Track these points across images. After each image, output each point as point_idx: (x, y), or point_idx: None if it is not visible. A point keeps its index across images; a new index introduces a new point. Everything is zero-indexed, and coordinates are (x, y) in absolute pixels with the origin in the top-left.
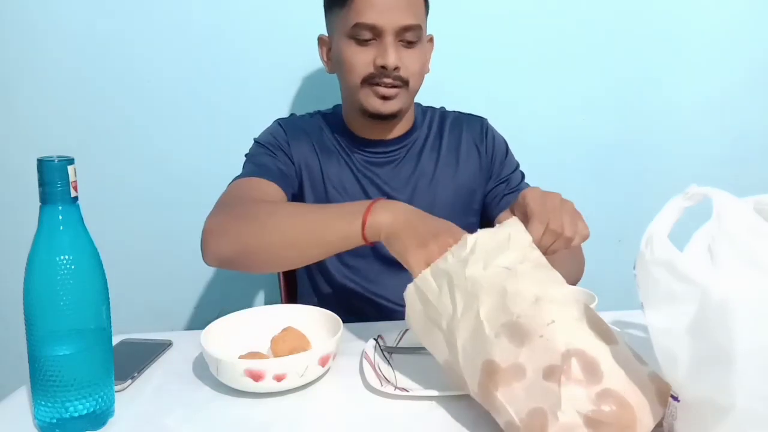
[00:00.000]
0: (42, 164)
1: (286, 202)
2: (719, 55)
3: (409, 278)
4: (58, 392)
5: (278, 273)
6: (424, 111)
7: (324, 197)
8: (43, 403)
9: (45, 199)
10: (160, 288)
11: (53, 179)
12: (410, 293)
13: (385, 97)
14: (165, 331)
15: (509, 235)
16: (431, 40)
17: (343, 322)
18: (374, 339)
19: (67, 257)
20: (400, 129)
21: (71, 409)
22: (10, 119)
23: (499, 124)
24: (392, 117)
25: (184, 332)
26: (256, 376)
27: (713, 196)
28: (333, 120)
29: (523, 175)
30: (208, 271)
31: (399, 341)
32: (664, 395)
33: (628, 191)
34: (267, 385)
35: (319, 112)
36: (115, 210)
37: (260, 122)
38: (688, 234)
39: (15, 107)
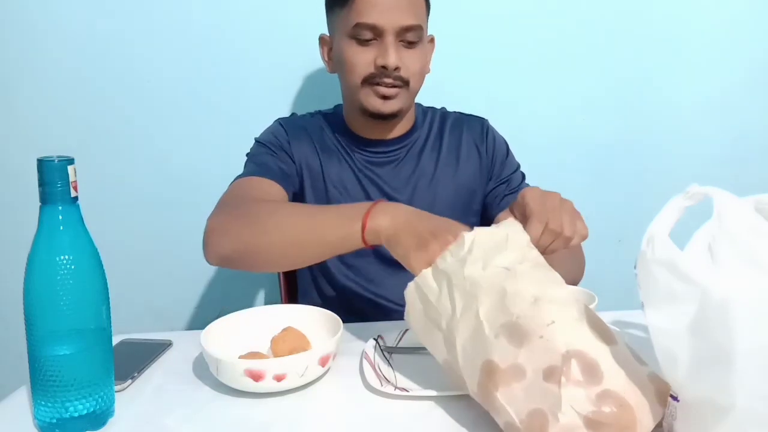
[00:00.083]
0: (42, 164)
1: (286, 203)
2: (719, 55)
3: (410, 278)
4: (58, 392)
5: (278, 273)
6: (424, 111)
7: (324, 196)
8: (43, 403)
9: (45, 199)
10: (160, 288)
11: (53, 179)
12: (410, 292)
13: (385, 97)
14: (165, 331)
15: (507, 236)
16: (432, 40)
17: (344, 322)
18: (374, 339)
19: (67, 257)
20: (400, 129)
21: (71, 409)
22: (10, 119)
23: (499, 124)
24: (392, 117)
25: (184, 332)
26: (256, 376)
27: (714, 196)
28: (334, 120)
29: (523, 176)
30: (208, 271)
31: (399, 341)
32: (663, 395)
33: (628, 191)
34: (267, 385)
35: (319, 111)
36: (115, 210)
37: (260, 122)
38: (689, 233)
39: (15, 107)
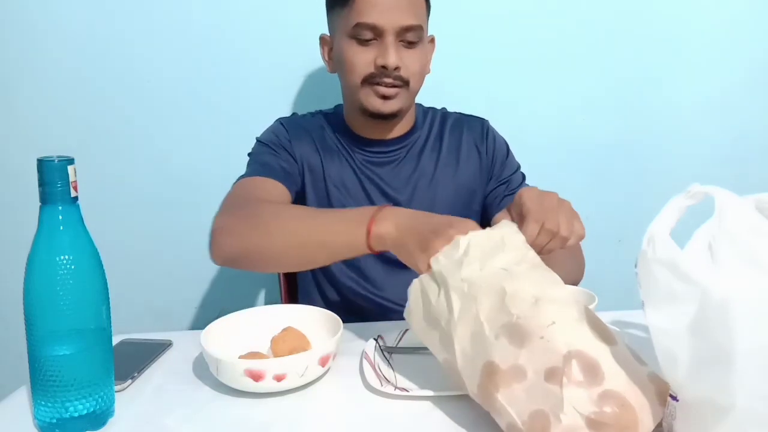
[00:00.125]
0: (42, 164)
1: (291, 205)
2: (719, 55)
3: (411, 278)
4: (58, 392)
5: (279, 273)
6: (425, 112)
7: (325, 196)
8: (43, 403)
9: (45, 199)
10: (160, 288)
11: (53, 179)
12: (415, 289)
13: (385, 97)
14: (165, 331)
15: (503, 237)
16: (432, 40)
17: (344, 322)
18: (374, 339)
19: (67, 257)
20: (400, 129)
21: (71, 409)
22: (10, 119)
23: (499, 124)
24: (392, 116)
25: (184, 332)
26: (256, 376)
27: (715, 195)
28: (334, 119)
29: (523, 177)
30: (208, 271)
31: (399, 341)
32: (663, 395)
33: (628, 191)
34: (267, 385)
35: (320, 111)
36: (115, 210)
37: (261, 122)
38: (689, 233)
39: (15, 107)
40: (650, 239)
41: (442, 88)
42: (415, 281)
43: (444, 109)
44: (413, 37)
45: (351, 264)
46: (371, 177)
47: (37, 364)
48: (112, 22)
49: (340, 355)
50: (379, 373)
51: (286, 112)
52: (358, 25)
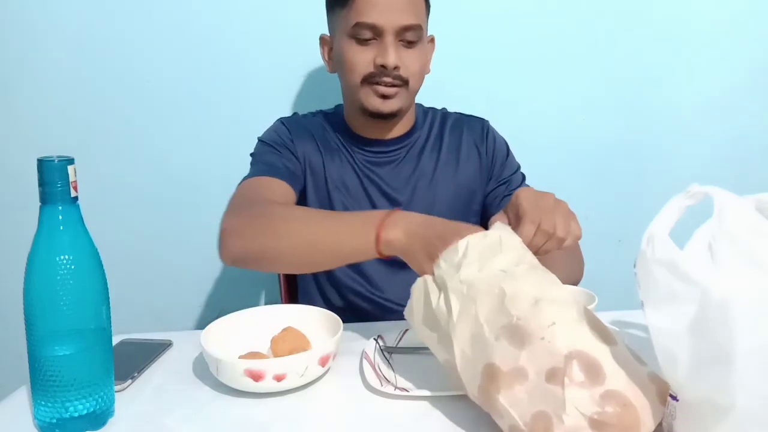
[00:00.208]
0: (42, 164)
1: (299, 207)
2: (719, 55)
3: (411, 278)
4: (58, 392)
5: (279, 273)
6: (425, 112)
7: (326, 195)
8: (43, 403)
9: (45, 199)
10: (160, 288)
11: (53, 179)
12: (417, 288)
13: (384, 96)
14: (165, 331)
15: (500, 238)
16: (432, 40)
17: (344, 321)
18: (374, 339)
19: (67, 257)
20: (400, 129)
21: (71, 409)
22: (10, 119)
23: (499, 124)
24: (392, 116)
25: (184, 332)
26: (256, 376)
27: (714, 195)
28: (334, 119)
29: (523, 177)
30: (208, 271)
31: (399, 341)
32: (664, 395)
33: (628, 191)
34: (267, 385)
35: (320, 111)
36: (115, 210)
37: (261, 122)
38: (689, 233)
39: (15, 107)
40: (650, 239)
41: (442, 88)
42: (419, 280)
43: (444, 109)
44: (413, 36)
45: (351, 264)
46: (371, 177)
47: (37, 364)
48: (112, 22)
49: (340, 355)
50: (379, 373)
51: (287, 112)
52: (358, 25)
